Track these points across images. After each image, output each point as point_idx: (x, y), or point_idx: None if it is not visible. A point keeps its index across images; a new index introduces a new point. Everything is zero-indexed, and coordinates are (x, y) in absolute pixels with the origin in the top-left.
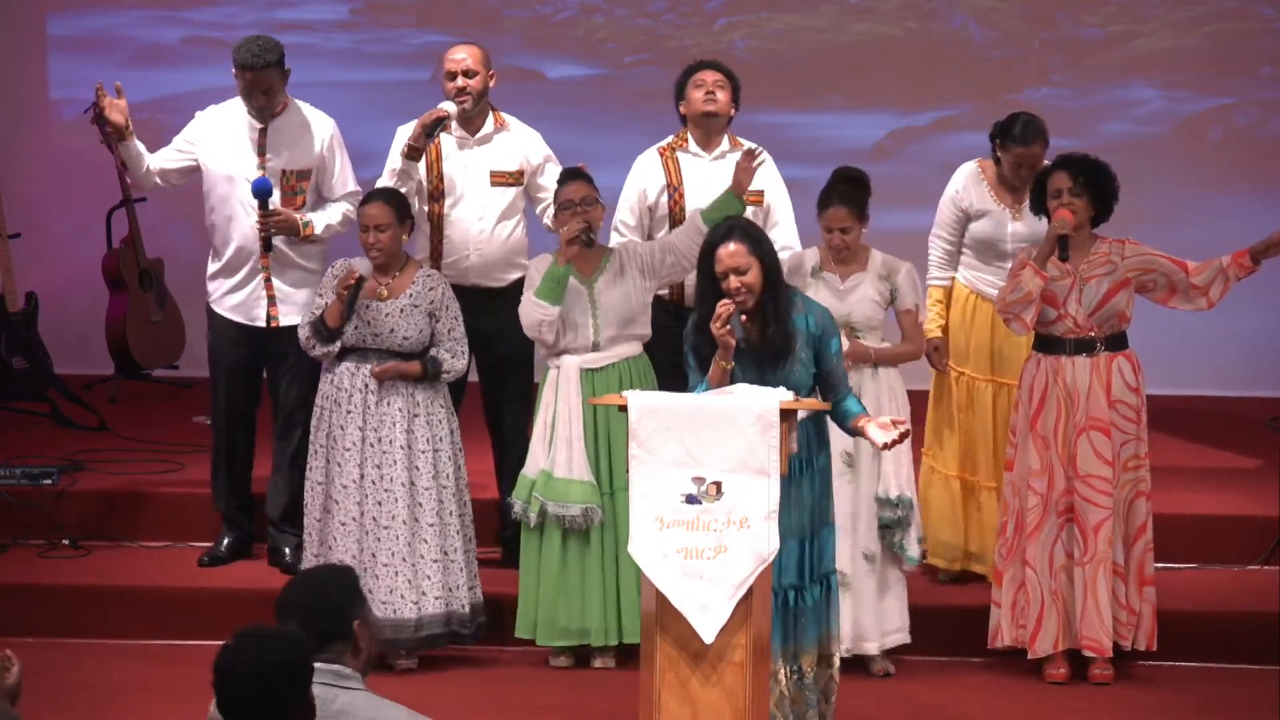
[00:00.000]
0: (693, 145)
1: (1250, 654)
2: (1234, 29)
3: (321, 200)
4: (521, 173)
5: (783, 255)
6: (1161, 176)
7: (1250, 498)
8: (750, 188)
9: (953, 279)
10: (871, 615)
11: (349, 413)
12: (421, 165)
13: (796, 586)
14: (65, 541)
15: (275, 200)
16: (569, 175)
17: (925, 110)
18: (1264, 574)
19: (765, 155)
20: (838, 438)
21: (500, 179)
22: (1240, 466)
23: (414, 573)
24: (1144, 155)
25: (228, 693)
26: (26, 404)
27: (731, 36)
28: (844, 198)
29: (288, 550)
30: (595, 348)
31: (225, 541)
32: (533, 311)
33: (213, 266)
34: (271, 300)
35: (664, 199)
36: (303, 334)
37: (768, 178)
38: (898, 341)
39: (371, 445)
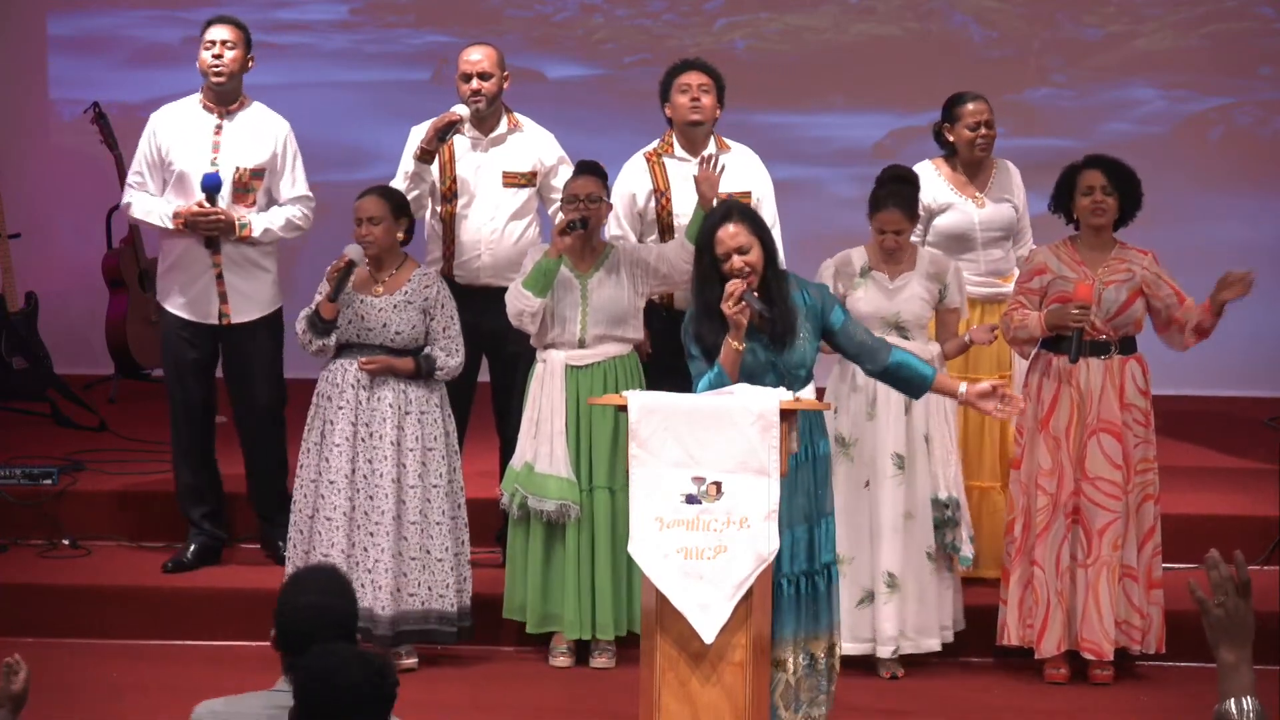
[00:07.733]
0: (678, 150)
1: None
2: (1234, 29)
3: (272, 203)
4: (534, 174)
5: None
6: (1161, 176)
7: (1250, 498)
8: (737, 189)
9: None
10: (933, 611)
11: (340, 408)
12: (434, 167)
13: (807, 573)
14: (65, 541)
15: (224, 198)
16: (580, 169)
17: (925, 110)
18: (1264, 574)
19: (724, 162)
20: (888, 438)
21: (513, 180)
22: (1240, 466)
23: (397, 569)
24: (1144, 155)
25: (321, 700)
26: (26, 404)
27: (731, 36)
28: (897, 199)
29: (281, 544)
30: (581, 344)
31: (192, 548)
32: (516, 300)
33: (163, 264)
34: (223, 298)
35: (652, 204)
36: (299, 328)
37: (754, 177)
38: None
39: (363, 440)
